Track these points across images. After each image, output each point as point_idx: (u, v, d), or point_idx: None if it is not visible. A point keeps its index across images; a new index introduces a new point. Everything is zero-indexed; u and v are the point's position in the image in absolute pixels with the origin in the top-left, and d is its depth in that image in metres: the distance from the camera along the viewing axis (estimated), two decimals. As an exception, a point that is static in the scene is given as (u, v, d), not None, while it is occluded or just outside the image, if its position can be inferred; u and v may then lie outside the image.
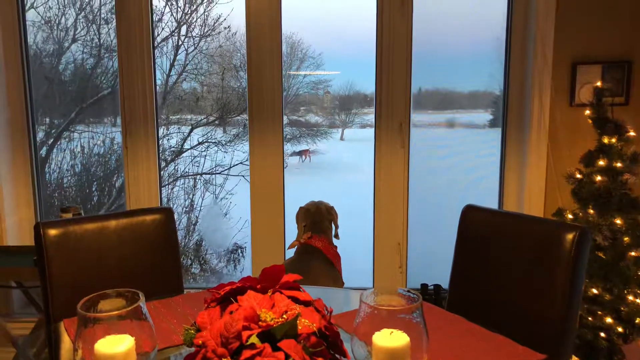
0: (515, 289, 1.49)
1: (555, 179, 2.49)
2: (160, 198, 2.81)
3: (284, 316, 0.96)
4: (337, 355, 0.98)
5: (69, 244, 1.52)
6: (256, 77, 2.64)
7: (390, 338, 0.96)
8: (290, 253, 2.38)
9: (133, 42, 2.63)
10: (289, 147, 4.61)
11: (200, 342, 0.95)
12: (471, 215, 1.67)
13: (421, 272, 2.78)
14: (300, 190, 4.60)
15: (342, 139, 4.54)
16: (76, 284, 1.52)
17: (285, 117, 4.43)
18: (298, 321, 0.92)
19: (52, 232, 1.50)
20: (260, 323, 0.94)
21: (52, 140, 3.43)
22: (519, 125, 2.58)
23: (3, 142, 2.63)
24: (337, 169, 4.90)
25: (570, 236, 1.40)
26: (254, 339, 0.87)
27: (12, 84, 2.67)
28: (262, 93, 2.64)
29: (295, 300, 1.03)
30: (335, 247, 2.34)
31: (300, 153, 4.61)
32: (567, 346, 1.40)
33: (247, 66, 2.65)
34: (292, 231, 2.56)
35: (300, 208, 2.39)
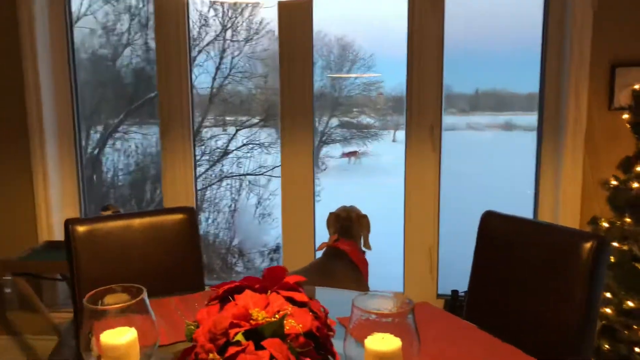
0: (532, 297, 1.46)
1: (592, 186, 2.40)
2: (196, 198, 2.90)
3: (276, 316, 0.99)
4: (327, 356, 0.99)
5: (96, 241, 1.61)
6: (287, 80, 2.69)
7: (382, 342, 0.97)
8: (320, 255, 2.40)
9: (170, 46, 2.73)
10: (338, 149, 4.63)
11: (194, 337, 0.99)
12: (490, 222, 1.64)
13: (453, 278, 2.74)
14: (346, 191, 4.62)
15: (394, 140, 4.51)
16: (102, 279, 1.58)
17: (335, 119, 4.45)
18: (285, 321, 0.95)
19: (80, 229, 1.59)
20: (251, 322, 0.97)
21: (107, 140, 3.63)
22: (555, 129, 2.50)
23: (51, 145, 2.78)
24: (386, 171, 4.88)
25: (587, 245, 1.35)
26: (239, 337, 0.90)
27: (60, 89, 2.82)
28: (293, 95, 2.68)
29: (291, 300, 1.06)
30: (364, 252, 2.34)
31: (349, 154, 4.62)
32: (583, 358, 1.36)
33: (280, 69, 2.70)
34: (323, 232, 2.57)
35: (331, 213, 2.41)
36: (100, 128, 3.65)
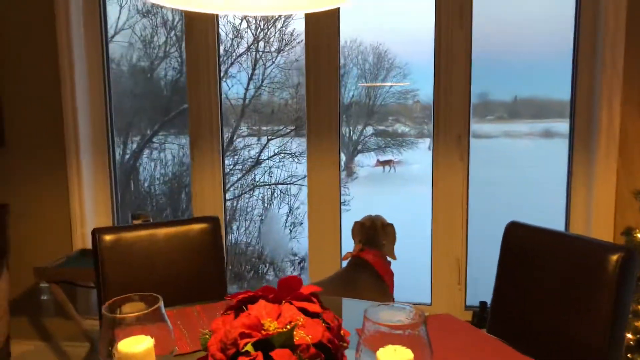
0: (555, 312, 1.42)
1: (627, 196, 2.32)
2: (225, 208, 2.94)
3: (288, 326, 0.99)
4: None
5: (121, 249, 1.65)
6: (313, 90, 2.70)
7: (394, 354, 0.96)
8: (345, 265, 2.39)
9: (200, 59, 2.78)
10: (372, 157, 4.61)
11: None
12: (514, 232, 1.61)
13: (483, 289, 2.69)
14: (377, 200, 4.59)
15: (430, 149, 4.47)
16: (127, 286, 1.63)
17: (370, 127, 4.42)
18: (295, 332, 0.95)
19: (107, 237, 1.64)
20: (262, 332, 0.97)
21: (144, 150, 3.73)
22: (587, 136, 2.43)
23: (86, 156, 2.88)
24: (420, 180, 4.83)
25: (614, 258, 1.31)
26: (249, 347, 0.91)
27: (94, 103, 2.91)
28: (320, 105, 2.70)
29: (304, 311, 1.06)
30: (389, 262, 2.31)
31: (384, 163, 4.59)
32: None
33: (306, 79, 2.72)
34: (351, 241, 2.56)
35: (356, 222, 2.39)
36: (138, 138, 3.75)
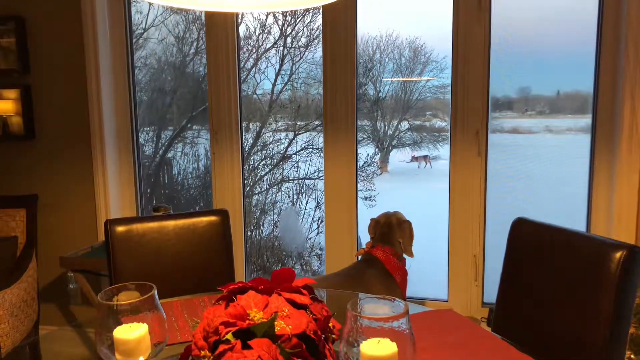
0: (557, 309, 1.40)
1: (650, 193, 2.24)
2: (243, 202, 2.98)
3: (273, 317, 1.01)
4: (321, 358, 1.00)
5: (132, 240, 1.70)
6: (330, 84, 2.71)
7: (378, 347, 0.97)
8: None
9: (219, 55, 2.83)
10: (407, 152, 4.57)
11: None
12: (520, 229, 1.58)
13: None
14: (407, 196, 4.56)
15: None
16: (137, 275, 1.69)
17: (406, 122, 4.38)
18: (277, 322, 0.96)
19: (119, 228, 1.69)
20: (247, 322, 0.99)
21: (176, 145, 3.82)
22: (610, 133, 2.36)
23: (111, 151, 2.97)
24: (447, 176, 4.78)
25: (617, 255, 1.28)
26: (229, 336, 0.93)
27: (119, 101, 3.00)
28: (336, 99, 2.70)
29: (292, 302, 1.07)
30: (403, 260, 2.29)
31: (419, 158, 4.56)
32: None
33: (323, 73, 2.73)
34: (367, 235, 2.56)
35: (372, 219, 2.39)
36: (169, 133, 3.84)
